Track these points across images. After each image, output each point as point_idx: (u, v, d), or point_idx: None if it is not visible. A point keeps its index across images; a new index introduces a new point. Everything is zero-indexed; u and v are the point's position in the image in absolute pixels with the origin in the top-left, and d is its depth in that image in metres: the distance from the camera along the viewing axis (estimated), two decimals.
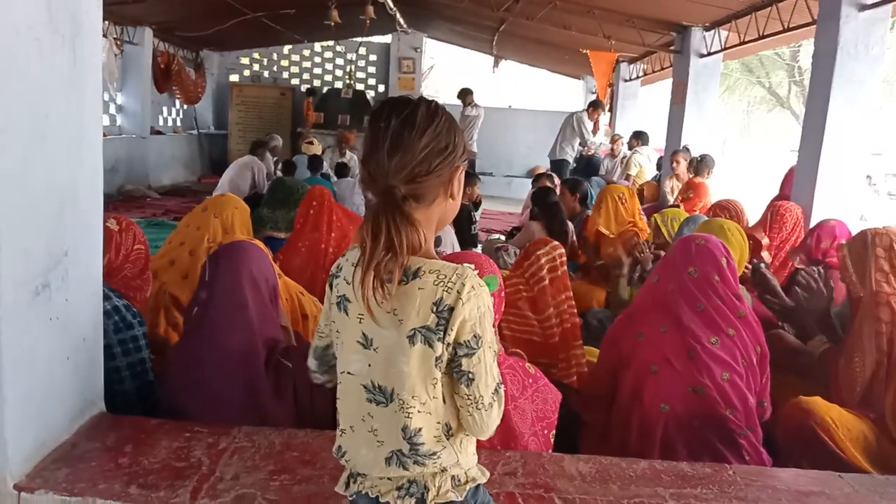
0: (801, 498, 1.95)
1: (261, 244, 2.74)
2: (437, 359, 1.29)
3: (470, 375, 1.31)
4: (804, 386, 3.02)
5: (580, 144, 10.38)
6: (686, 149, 7.62)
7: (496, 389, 1.35)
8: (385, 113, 1.31)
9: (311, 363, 1.58)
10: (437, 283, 1.27)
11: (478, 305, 1.28)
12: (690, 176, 7.09)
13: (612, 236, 5.21)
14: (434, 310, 1.27)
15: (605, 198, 5.50)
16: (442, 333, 1.27)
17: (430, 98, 1.38)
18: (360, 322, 1.35)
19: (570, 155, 10.26)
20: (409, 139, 1.28)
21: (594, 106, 10.21)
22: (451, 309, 1.26)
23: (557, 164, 10.07)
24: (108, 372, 2.30)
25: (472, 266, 1.33)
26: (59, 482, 1.83)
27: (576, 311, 3.19)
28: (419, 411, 1.32)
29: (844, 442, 2.50)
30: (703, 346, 2.44)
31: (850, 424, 2.55)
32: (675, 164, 7.48)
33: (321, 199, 4.38)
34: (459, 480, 1.38)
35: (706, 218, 4.40)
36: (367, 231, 1.26)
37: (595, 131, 11.86)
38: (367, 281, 1.25)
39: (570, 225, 5.53)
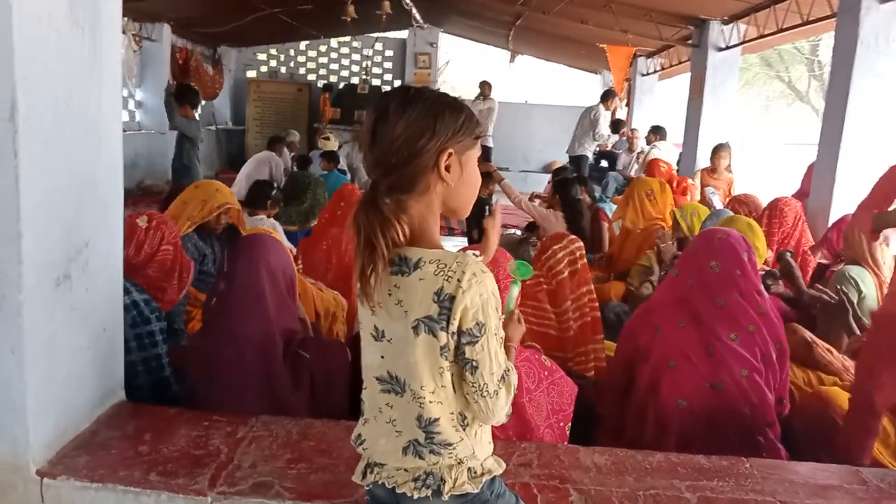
0: (819, 492, 1.94)
1: (277, 236, 2.75)
2: (442, 348, 1.29)
3: (474, 363, 1.31)
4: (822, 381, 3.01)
5: (594, 139, 10.31)
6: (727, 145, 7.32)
7: (503, 377, 1.35)
8: (371, 109, 1.35)
9: None
10: (437, 272, 1.28)
11: (479, 293, 1.28)
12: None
13: (637, 231, 5.17)
14: (435, 299, 1.27)
15: (632, 192, 5.42)
16: (445, 323, 1.27)
17: (415, 86, 1.39)
18: (372, 314, 1.36)
19: (589, 150, 10.19)
20: (383, 131, 1.30)
21: (609, 96, 10.11)
22: (452, 298, 1.26)
23: (577, 160, 10.01)
24: (124, 366, 2.32)
25: (476, 252, 1.33)
26: (80, 469, 1.85)
27: (597, 304, 3.18)
28: (430, 401, 1.33)
29: None
30: (721, 342, 2.42)
31: None
32: (718, 162, 7.15)
33: (350, 198, 4.36)
34: (475, 472, 1.39)
35: (731, 213, 4.37)
36: (353, 228, 1.32)
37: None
38: (362, 274, 1.30)
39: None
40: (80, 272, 1.99)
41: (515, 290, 1.62)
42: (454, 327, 1.28)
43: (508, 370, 1.37)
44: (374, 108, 1.33)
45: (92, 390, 2.10)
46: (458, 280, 1.26)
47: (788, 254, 3.83)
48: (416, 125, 1.31)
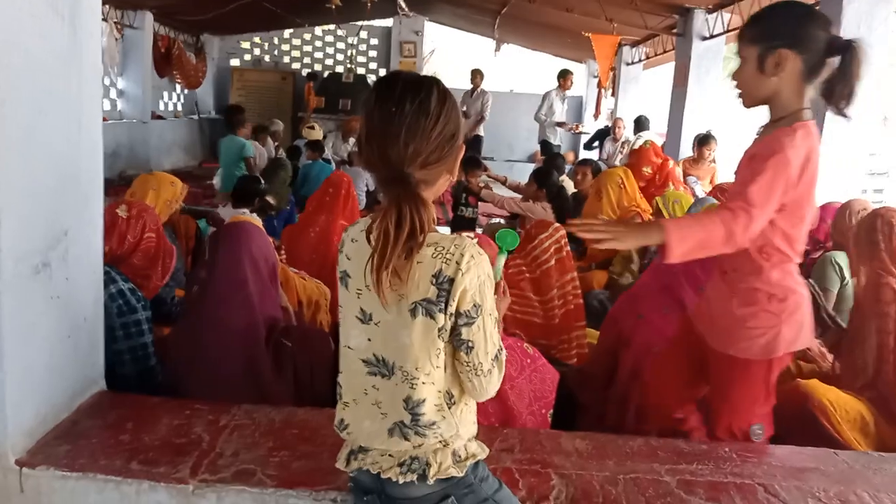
0: (797, 474, 1.97)
1: (258, 223, 2.74)
2: (439, 329, 1.31)
3: (469, 344, 1.33)
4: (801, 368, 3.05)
5: (535, 119, 10.31)
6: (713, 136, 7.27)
7: (496, 356, 1.37)
8: (397, 94, 1.29)
9: None
10: (435, 255, 1.29)
11: (477, 274, 1.30)
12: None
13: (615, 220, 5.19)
14: (434, 282, 1.28)
15: (605, 186, 5.40)
16: (443, 304, 1.29)
17: (434, 78, 1.37)
18: (358, 297, 1.37)
19: (552, 136, 10.21)
20: (425, 127, 1.28)
21: (562, 75, 10.13)
22: (451, 280, 1.28)
23: (542, 146, 10.14)
24: (110, 355, 2.31)
25: (471, 235, 1.34)
26: (60, 458, 1.84)
27: (580, 291, 3.20)
28: (423, 382, 1.34)
29: (841, 424, 2.51)
30: None
31: (847, 406, 2.56)
32: (707, 152, 7.11)
33: (339, 185, 4.33)
34: (460, 456, 1.41)
35: (713, 200, 4.39)
36: (392, 220, 1.25)
37: (597, 115, 11.83)
38: (383, 270, 1.25)
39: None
40: (60, 261, 1.97)
41: (501, 261, 1.63)
42: (452, 309, 1.29)
43: (500, 349, 1.39)
44: (408, 95, 1.29)
45: (72, 379, 2.09)
46: (457, 262, 1.28)
47: None
48: (451, 123, 1.32)
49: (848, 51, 1.86)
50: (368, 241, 1.30)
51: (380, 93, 1.31)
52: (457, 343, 1.34)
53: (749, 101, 2.02)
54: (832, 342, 3.07)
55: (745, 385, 2.07)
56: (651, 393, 2.33)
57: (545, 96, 10.01)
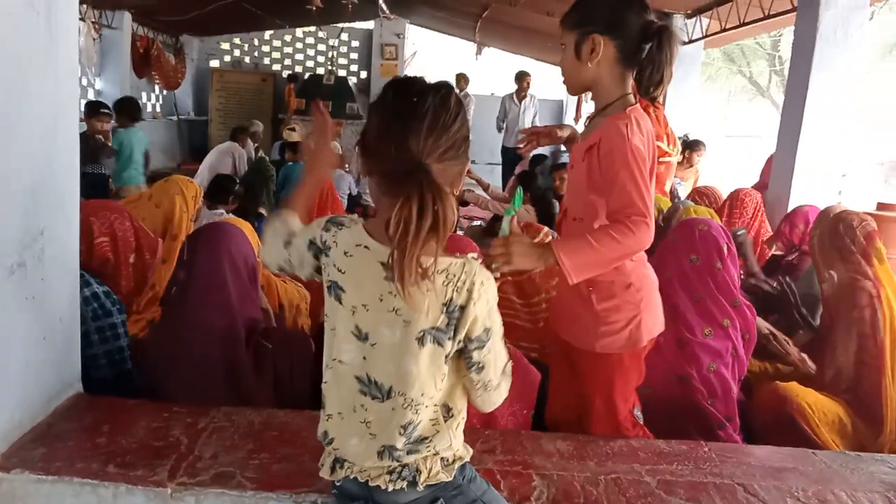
0: (775, 473, 1.98)
1: (245, 223, 2.71)
2: (446, 356, 1.31)
3: (480, 364, 1.34)
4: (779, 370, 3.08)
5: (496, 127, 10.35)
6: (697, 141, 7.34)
7: (503, 369, 1.39)
8: (417, 89, 1.30)
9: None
10: (445, 283, 1.27)
11: (487, 300, 1.30)
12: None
13: None
14: (445, 310, 1.27)
15: None
16: (453, 332, 1.28)
17: (448, 82, 1.36)
18: (353, 314, 1.33)
19: (507, 141, 10.27)
20: (445, 121, 1.28)
21: (518, 79, 10.15)
22: (463, 308, 1.27)
23: (503, 152, 10.18)
24: (86, 359, 2.27)
25: (475, 255, 1.34)
26: (36, 462, 1.81)
27: None
28: (426, 406, 1.33)
29: (819, 427, 2.54)
30: (695, 336, 2.44)
31: (825, 408, 2.59)
32: (696, 157, 7.13)
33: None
34: (448, 460, 1.41)
35: (691, 204, 4.42)
36: (414, 209, 1.16)
37: (577, 118, 11.90)
38: (409, 269, 1.17)
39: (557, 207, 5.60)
40: (36, 261, 1.94)
41: (506, 220, 1.64)
42: (461, 335, 1.29)
43: (507, 361, 1.40)
44: (430, 92, 1.28)
45: (48, 382, 2.06)
46: (469, 290, 1.27)
47: (742, 231, 3.89)
48: (466, 125, 1.33)
49: (659, 36, 1.85)
50: (371, 243, 1.24)
51: (397, 90, 1.31)
52: (467, 363, 1.34)
53: (572, 88, 2.00)
54: (803, 342, 3.11)
55: (621, 378, 2.06)
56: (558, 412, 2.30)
57: (501, 101, 10.08)
